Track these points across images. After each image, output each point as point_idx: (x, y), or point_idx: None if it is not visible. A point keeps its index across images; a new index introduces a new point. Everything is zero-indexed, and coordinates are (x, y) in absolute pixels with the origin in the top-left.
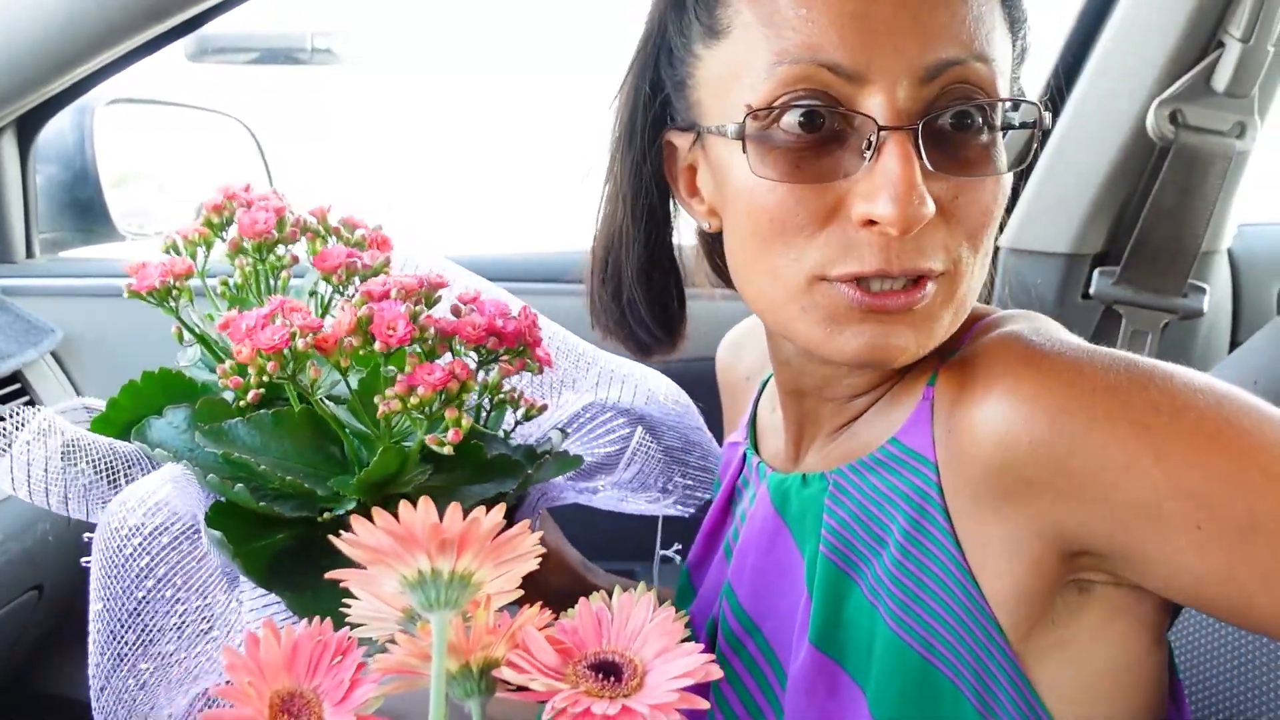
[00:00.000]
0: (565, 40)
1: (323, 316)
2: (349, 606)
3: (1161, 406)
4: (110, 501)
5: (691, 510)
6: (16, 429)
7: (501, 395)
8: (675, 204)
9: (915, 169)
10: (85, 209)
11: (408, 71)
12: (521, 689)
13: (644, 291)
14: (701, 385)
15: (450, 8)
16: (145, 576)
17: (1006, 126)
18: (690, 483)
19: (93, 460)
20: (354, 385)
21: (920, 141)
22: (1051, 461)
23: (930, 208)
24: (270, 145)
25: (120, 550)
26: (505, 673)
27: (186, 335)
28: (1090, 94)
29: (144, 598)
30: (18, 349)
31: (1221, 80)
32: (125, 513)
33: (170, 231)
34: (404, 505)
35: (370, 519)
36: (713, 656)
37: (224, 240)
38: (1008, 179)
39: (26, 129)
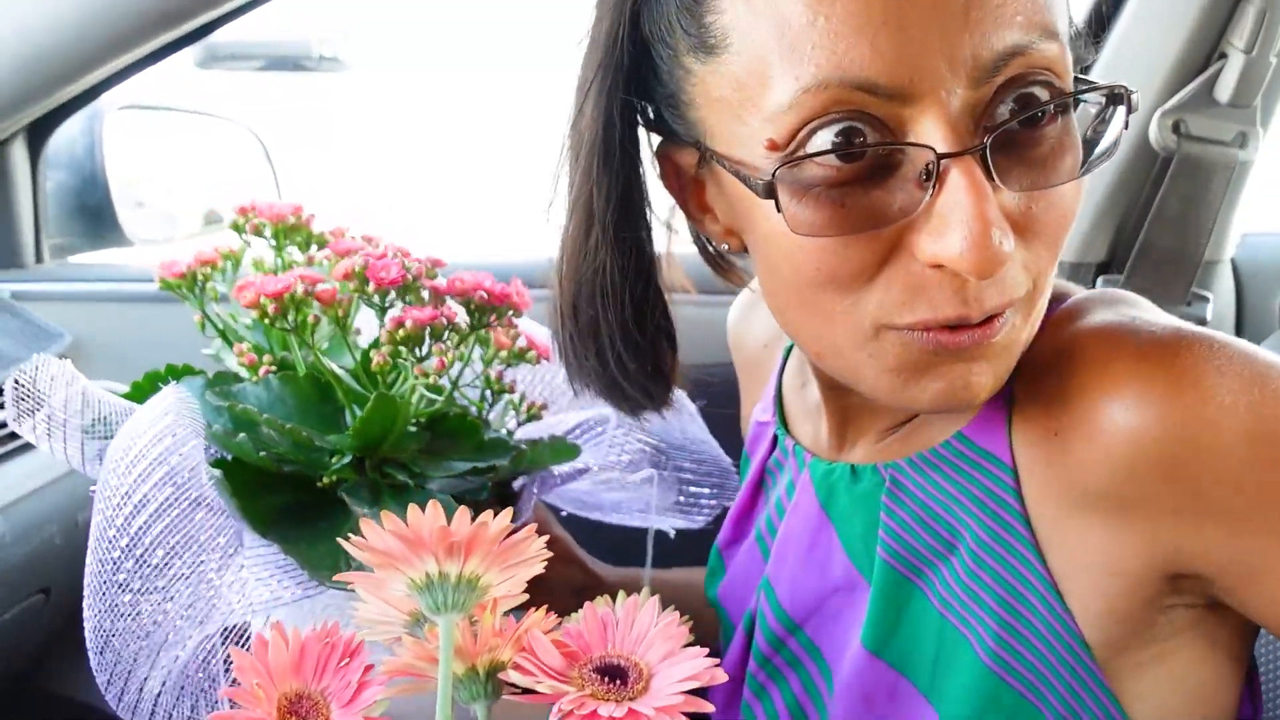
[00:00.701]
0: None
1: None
2: (345, 558)
3: None
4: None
5: (704, 522)
6: (43, 380)
7: (501, 386)
8: (652, 236)
9: (989, 201)
10: (94, 214)
11: (413, 74)
12: (527, 692)
13: (635, 348)
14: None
15: (454, 11)
16: (142, 506)
17: (1077, 103)
18: (699, 492)
19: (109, 415)
20: (355, 351)
21: (989, 160)
22: (1184, 480)
23: (1011, 242)
24: (277, 151)
25: (120, 478)
26: (511, 676)
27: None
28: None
29: (142, 524)
30: (26, 353)
31: (1224, 91)
32: (127, 444)
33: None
34: (413, 509)
35: (366, 475)
36: (717, 661)
37: (249, 244)
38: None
39: (36, 135)
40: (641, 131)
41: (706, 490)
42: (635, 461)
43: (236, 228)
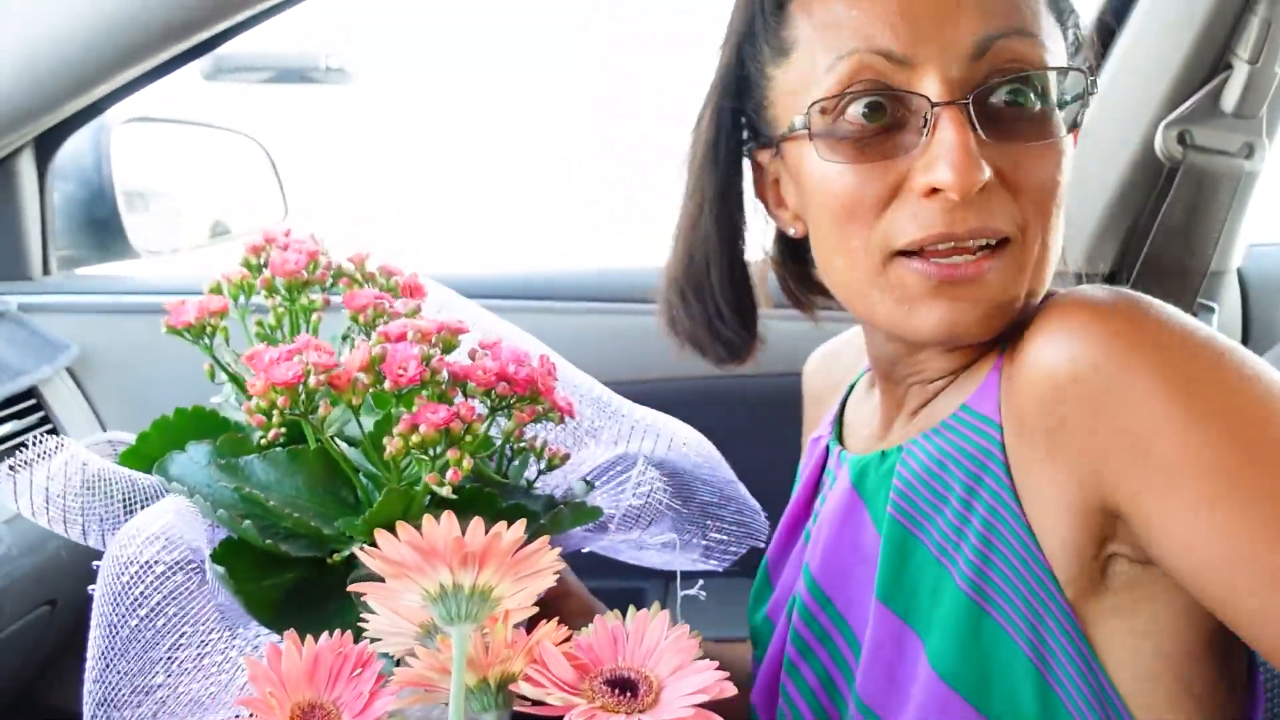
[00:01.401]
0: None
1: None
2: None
3: (1210, 379)
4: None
5: (725, 565)
6: (41, 459)
7: (522, 444)
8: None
9: (969, 137)
10: (102, 226)
11: (417, 81)
12: (539, 703)
13: (729, 300)
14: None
15: (458, 17)
16: (138, 605)
17: (1060, 102)
18: (725, 538)
19: (112, 493)
20: (368, 428)
21: (973, 114)
22: (1088, 402)
23: (985, 172)
24: (284, 161)
25: (118, 579)
26: (523, 687)
27: (219, 374)
28: (1098, 114)
29: (136, 626)
30: (34, 365)
31: (1229, 101)
32: (125, 541)
33: (216, 275)
34: (427, 519)
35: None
36: (727, 675)
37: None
38: (1070, 151)
39: (44, 147)
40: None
41: (732, 531)
42: (657, 509)
43: (249, 267)
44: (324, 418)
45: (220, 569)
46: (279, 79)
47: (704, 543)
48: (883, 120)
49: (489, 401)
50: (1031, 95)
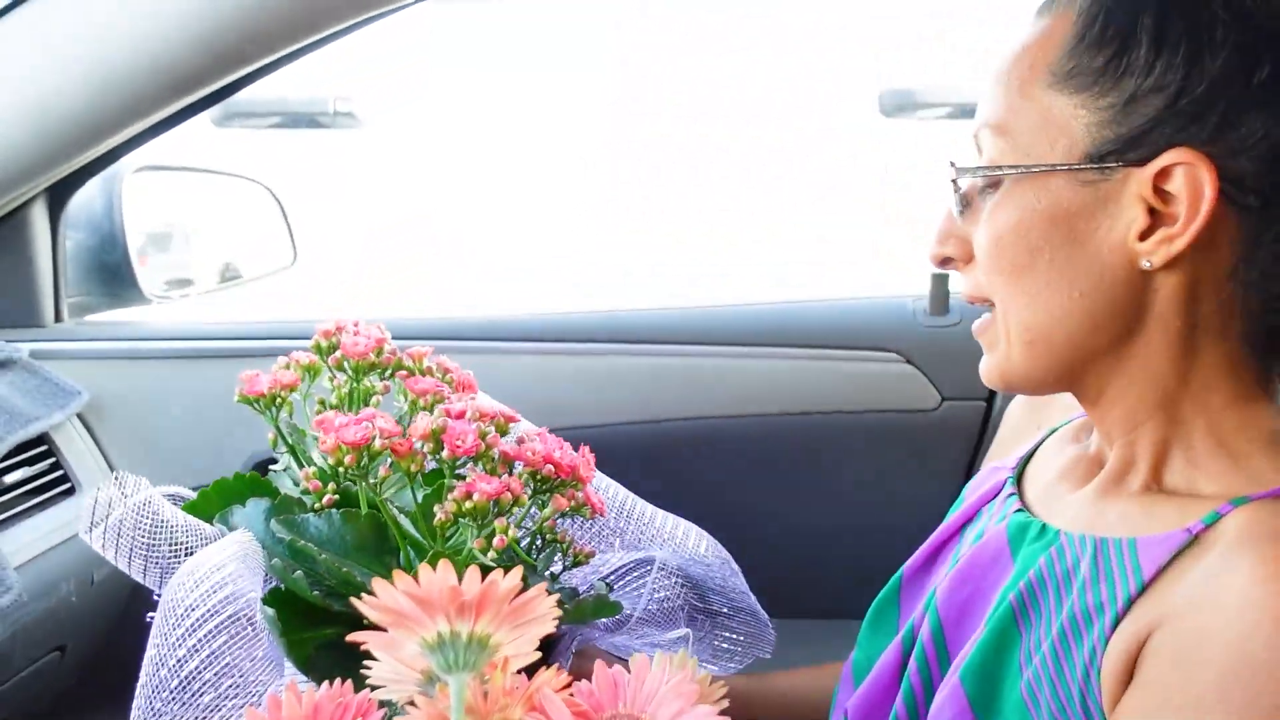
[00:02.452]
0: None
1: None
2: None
3: None
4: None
5: (734, 670)
6: (121, 497)
7: (553, 535)
8: None
9: (947, 213)
10: (113, 273)
11: (425, 124)
12: None
13: None
14: None
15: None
16: (194, 652)
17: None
18: (733, 648)
19: (176, 539)
20: (419, 498)
21: (955, 192)
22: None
23: (942, 248)
24: (296, 206)
25: (176, 625)
26: None
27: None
28: None
29: (190, 673)
30: (45, 411)
31: None
32: (184, 583)
33: (288, 357)
34: (423, 568)
35: None
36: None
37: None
38: (1017, 228)
39: (57, 197)
40: None
41: (741, 639)
42: (672, 609)
43: (319, 350)
44: (383, 479)
45: (270, 611)
46: (288, 124)
47: (714, 644)
48: None
49: (534, 483)
50: (980, 180)
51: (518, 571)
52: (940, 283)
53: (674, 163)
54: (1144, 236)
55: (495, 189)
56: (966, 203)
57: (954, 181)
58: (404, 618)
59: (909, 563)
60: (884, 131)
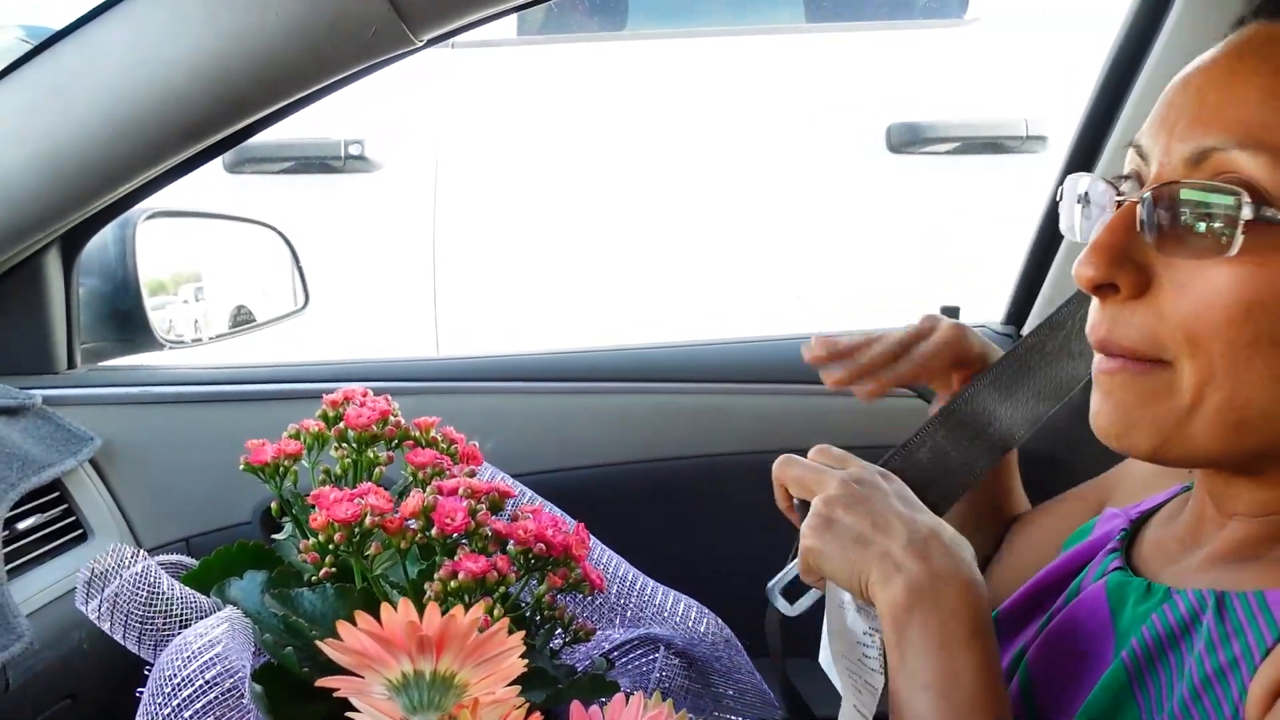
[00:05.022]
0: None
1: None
2: None
3: None
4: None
5: None
6: (117, 568)
7: (552, 610)
8: None
9: (1114, 232)
10: (126, 319)
11: (439, 168)
12: None
13: None
14: None
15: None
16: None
17: (1262, 219)
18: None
19: (172, 611)
20: (412, 574)
21: (1146, 214)
22: None
23: (1095, 270)
24: (308, 250)
25: (166, 701)
26: None
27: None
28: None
29: None
30: (58, 458)
31: None
32: (175, 657)
33: (297, 425)
34: (385, 608)
35: None
36: None
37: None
38: (1258, 285)
39: (70, 244)
40: None
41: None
42: (674, 692)
43: (325, 419)
44: (374, 556)
45: (259, 688)
46: (299, 169)
47: None
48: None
49: (525, 561)
50: (1224, 205)
51: (478, 607)
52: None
53: (680, 201)
54: None
55: (510, 231)
56: (1171, 227)
57: (1158, 192)
58: (368, 658)
59: (1004, 609)
60: (892, 167)
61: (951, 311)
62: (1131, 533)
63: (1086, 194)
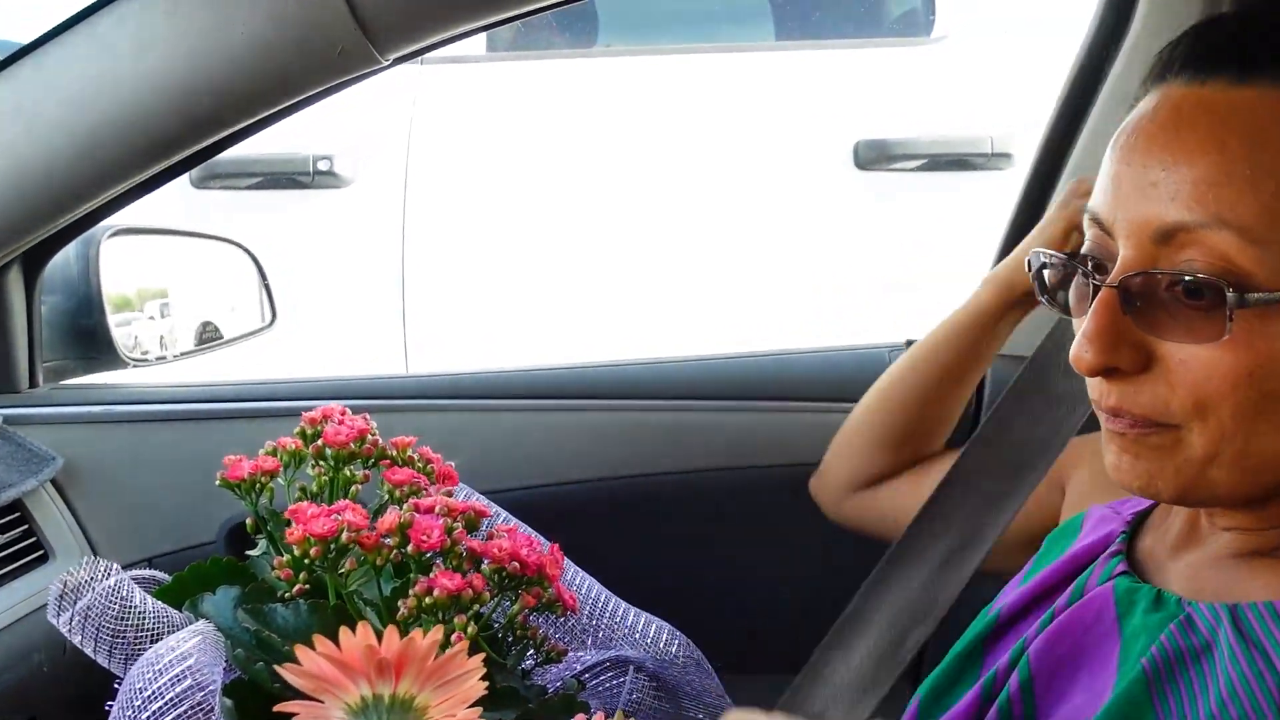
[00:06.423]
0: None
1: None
2: None
3: None
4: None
5: None
6: (89, 582)
7: (524, 630)
8: None
9: (1107, 321)
10: (89, 337)
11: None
12: None
13: None
14: None
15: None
16: None
17: (1246, 292)
18: None
19: (144, 625)
20: (385, 591)
21: (1126, 300)
22: None
23: (1095, 357)
24: (275, 267)
25: (136, 715)
26: None
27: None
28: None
29: None
30: (19, 478)
31: None
32: (145, 671)
33: (275, 442)
34: (344, 631)
35: None
36: None
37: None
38: (1257, 354)
39: (32, 262)
40: None
41: None
42: (644, 713)
43: (303, 436)
44: (349, 573)
45: (228, 702)
46: (267, 184)
47: None
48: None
49: (499, 579)
50: (1204, 290)
51: (438, 630)
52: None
53: (648, 217)
54: None
55: (484, 248)
56: (1156, 315)
57: (1135, 282)
58: (326, 682)
59: (1005, 607)
60: (859, 183)
61: (911, 344)
62: (1129, 535)
63: (1060, 270)
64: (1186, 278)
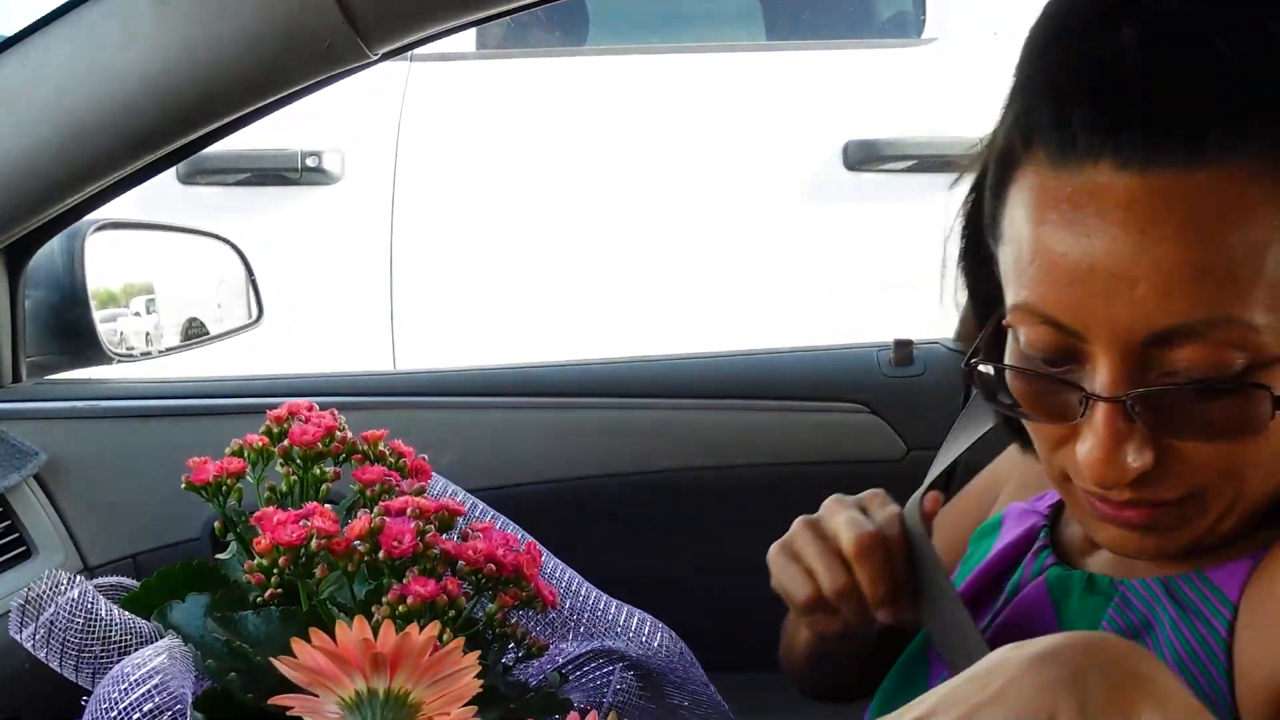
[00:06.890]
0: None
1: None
2: None
3: None
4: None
5: None
6: (52, 593)
7: (504, 628)
8: None
9: (1114, 439)
10: (73, 332)
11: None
12: None
13: None
14: None
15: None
16: None
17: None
18: None
19: (110, 636)
20: (359, 595)
21: (1133, 409)
22: None
23: (1127, 472)
24: (263, 262)
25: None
26: None
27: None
28: None
29: None
30: (1, 474)
31: None
32: (113, 684)
33: (241, 441)
34: (340, 625)
35: None
36: None
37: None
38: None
39: (16, 255)
40: None
41: None
42: (629, 707)
43: (270, 435)
44: (320, 580)
45: (200, 716)
46: (255, 180)
47: None
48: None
49: (476, 581)
50: (1236, 411)
51: (434, 626)
52: (904, 349)
53: (637, 216)
54: None
55: (478, 245)
56: (1182, 426)
57: (1150, 398)
58: (321, 675)
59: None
60: (849, 184)
61: (904, 344)
62: (1049, 527)
63: (1029, 382)
64: (1225, 387)
